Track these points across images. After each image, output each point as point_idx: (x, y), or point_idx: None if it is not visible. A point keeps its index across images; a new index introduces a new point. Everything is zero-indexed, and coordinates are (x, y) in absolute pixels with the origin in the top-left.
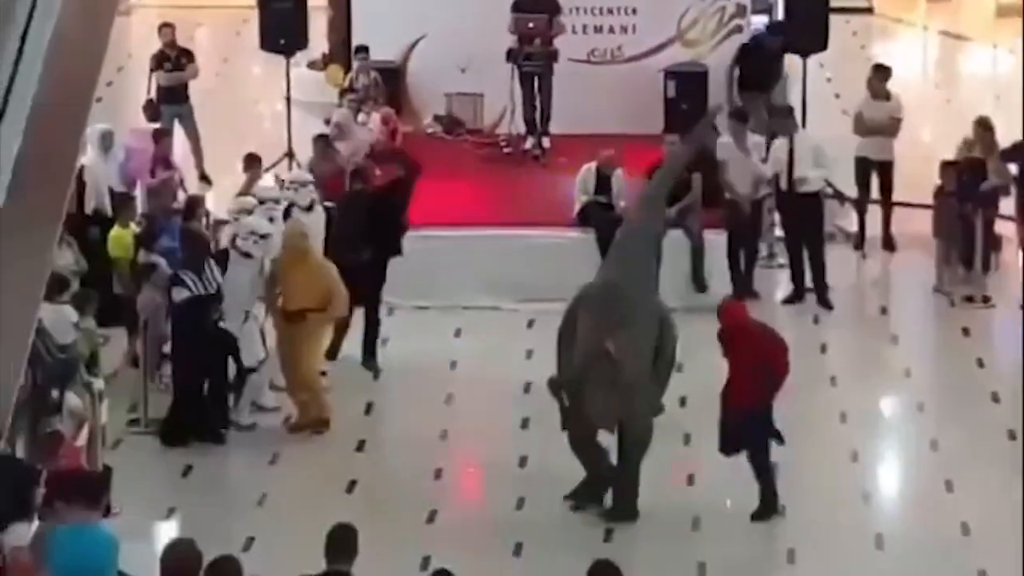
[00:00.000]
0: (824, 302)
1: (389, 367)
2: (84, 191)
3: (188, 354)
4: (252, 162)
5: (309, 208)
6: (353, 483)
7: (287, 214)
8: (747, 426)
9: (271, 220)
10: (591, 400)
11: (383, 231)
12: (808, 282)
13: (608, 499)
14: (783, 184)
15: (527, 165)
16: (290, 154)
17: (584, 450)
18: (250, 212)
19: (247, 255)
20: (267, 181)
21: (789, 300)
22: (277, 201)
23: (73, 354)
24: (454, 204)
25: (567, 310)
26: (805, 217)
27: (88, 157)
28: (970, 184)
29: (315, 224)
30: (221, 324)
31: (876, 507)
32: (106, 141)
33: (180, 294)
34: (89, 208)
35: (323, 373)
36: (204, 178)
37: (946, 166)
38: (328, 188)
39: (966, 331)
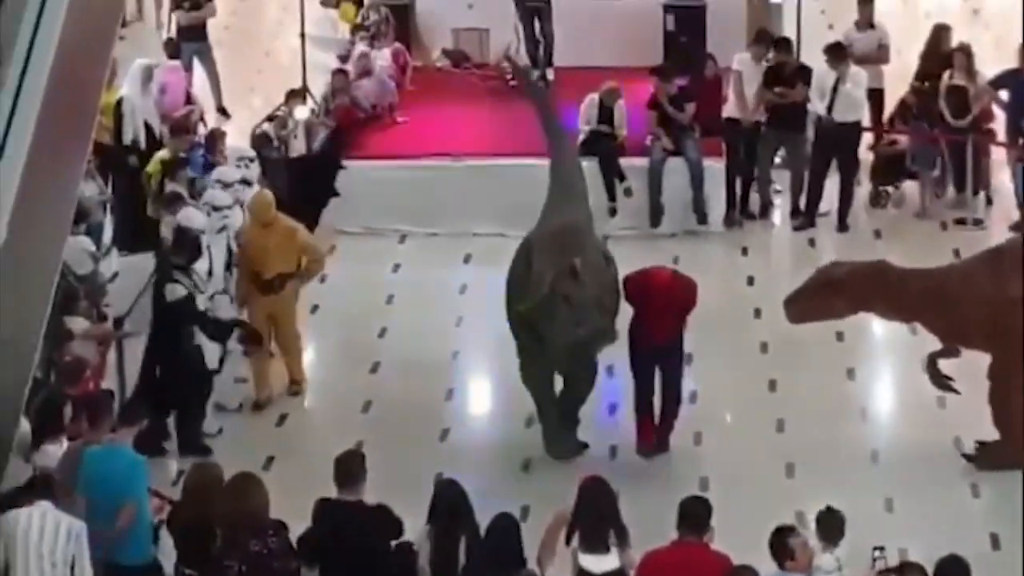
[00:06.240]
0: (844, 225)
1: (402, 291)
2: (122, 122)
3: (172, 364)
4: (294, 97)
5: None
6: (368, 403)
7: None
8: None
9: (236, 203)
10: (557, 321)
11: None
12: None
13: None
14: (822, 110)
15: None
16: (305, 89)
17: (544, 387)
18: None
19: (222, 229)
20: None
21: (802, 226)
22: (247, 183)
23: (91, 285)
24: (462, 135)
25: (519, 248)
26: (843, 143)
27: (128, 90)
28: (956, 111)
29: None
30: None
31: (872, 423)
32: (146, 75)
33: (175, 292)
34: (127, 138)
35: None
36: (222, 111)
37: (915, 90)
38: (343, 120)
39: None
